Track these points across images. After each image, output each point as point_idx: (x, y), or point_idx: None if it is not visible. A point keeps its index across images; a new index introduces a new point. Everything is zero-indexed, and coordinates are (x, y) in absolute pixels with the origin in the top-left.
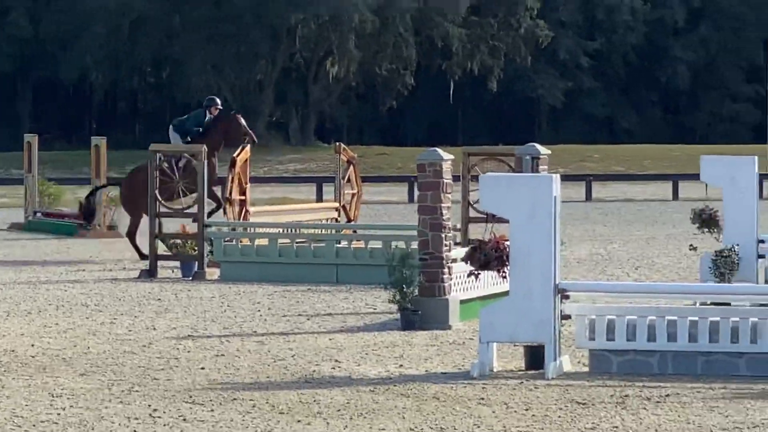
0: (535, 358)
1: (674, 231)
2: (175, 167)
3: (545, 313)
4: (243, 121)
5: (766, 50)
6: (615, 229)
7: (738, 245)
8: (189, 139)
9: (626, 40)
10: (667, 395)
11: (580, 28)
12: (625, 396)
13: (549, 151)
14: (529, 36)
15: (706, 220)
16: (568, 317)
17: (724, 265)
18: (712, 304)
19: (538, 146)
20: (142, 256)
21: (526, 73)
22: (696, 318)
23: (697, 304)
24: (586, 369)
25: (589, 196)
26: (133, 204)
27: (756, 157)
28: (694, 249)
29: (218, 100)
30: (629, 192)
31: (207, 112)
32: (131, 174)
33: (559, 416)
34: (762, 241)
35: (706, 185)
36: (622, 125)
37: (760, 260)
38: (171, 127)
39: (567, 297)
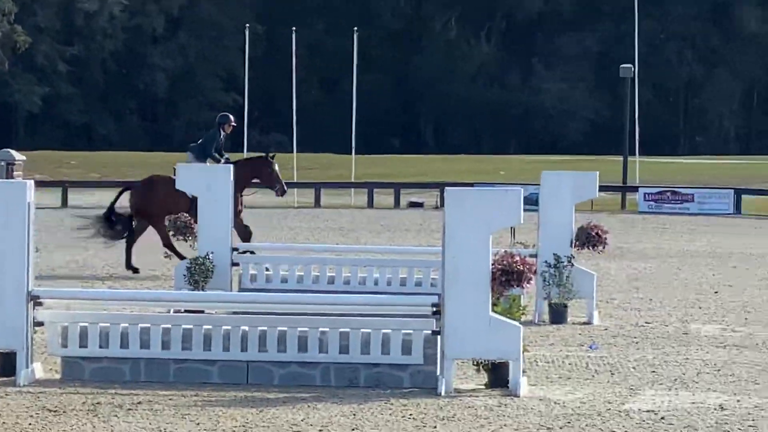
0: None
1: None
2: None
3: (17, 319)
4: (277, 168)
5: (245, 59)
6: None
7: (212, 253)
8: (220, 161)
9: (105, 47)
10: (139, 402)
11: (59, 34)
12: (97, 403)
13: (24, 157)
14: (6, 40)
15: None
16: (41, 324)
17: (198, 273)
18: (186, 311)
19: (12, 152)
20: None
21: (3, 77)
22: (169, 325)
23: (171, 312)
24: (59, 376)
25: (65, 203)
26: (152, 211)
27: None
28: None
29: (232, 117)
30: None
31: (221, 129)
32: (149, 182)
33: (30, 424)
34: (236, 249)
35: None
36: (100, 132)
37: (233, 268)
38: (189, 153)
39: (40, 304)
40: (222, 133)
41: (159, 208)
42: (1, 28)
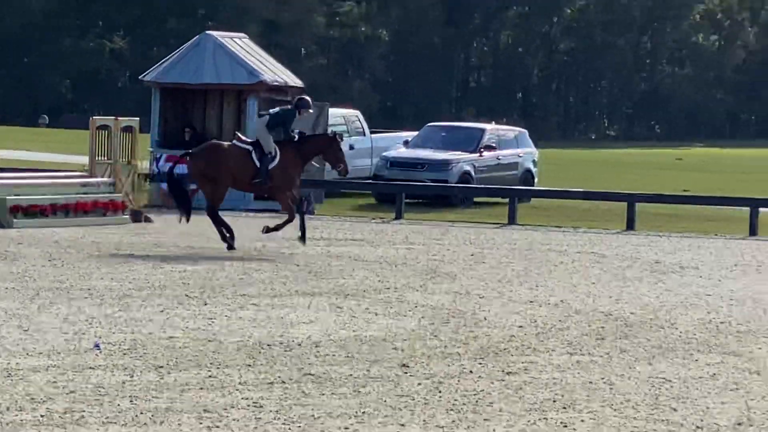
0: None
1: None
2: (256, 159)
3: None
4: (342, 148)
5: None
6: None
7: None
8: (285, 137)
9: None
10: None
11: None
12: None
13: None
14: None
15: None
16: None
17: None
18: None
19: None
20: (226, 241)
21: None
22: None
23: None
24: None
25: None
26: (208, 176)
27: None
28: None
29: (310, 101)
30: None
31: (297, 113)
32: (207, 147)
33: None
34: None
35: None
36: None
37: None
38: (263, 120)
39: None
40: (297, 116)
41: (224, 174)
42: None
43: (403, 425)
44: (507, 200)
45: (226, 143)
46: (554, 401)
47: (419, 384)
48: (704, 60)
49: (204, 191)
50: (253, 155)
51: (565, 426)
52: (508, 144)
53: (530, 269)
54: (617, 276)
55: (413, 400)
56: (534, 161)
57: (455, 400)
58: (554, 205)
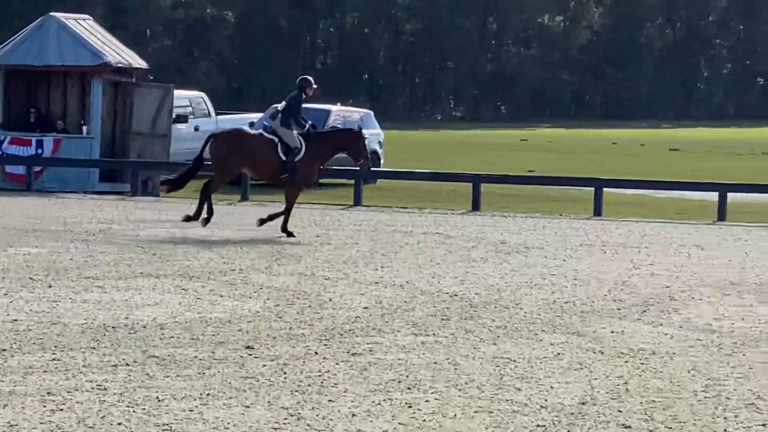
0: None
1: None
2: (281, 153)
3: None
4: (365, 144)
5: None
6: None
7: None
8: (304, 128)
9: None
10: None
11: None
12: None
13: None
14: None
15: None
16: None
17: None
18: None
19: None
20: (195, 216)
21: None
22: None
23: None
24: None
25: None
26: (226, 162)
27: None
28: None
29: (312, 80)
30: None
31: (302, 93)
32: (233, 133)
33: None
34: None
35: None
36: None
37: None
38: (277, 119)
39: None
40: (303, 95)
41: (239, 163)
42: None
43: (248, 407)
44: (353, 181)
45: (254, 132)
46: (399, 382)
47: (264, 365)
48: (550, 41)
49: (215, 171)
50: (279, 149)
51: (410, 406)
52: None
53: (376, 250)
54: (462, 257)
55: (258, 381)
56: (380, 142)
57: (300, 381)
58: (400, 186)
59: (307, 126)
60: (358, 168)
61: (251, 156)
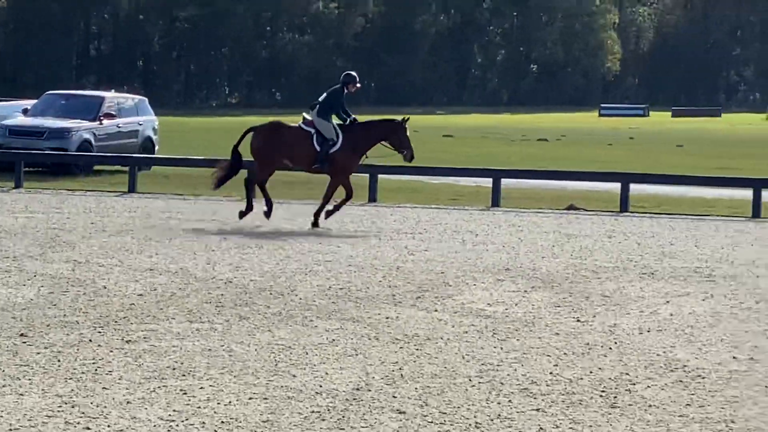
0: None
1: None
2: (317, 144)
3: None
4: (408, 133)
5: None
6: None
7: None
8: (346, 120)
9: None
10: None
11: None
12: None
13: None
14: None
15: None
16: None
17: None
18: None
19: None
20: (247, 211)
21: None
22: None
23: None
24: None
25: None
26: (266, 153)
27: None
28: None
29: (356, 77)
30: None
31: (345, 88)
32: (270, 126)
33: None
34: None
35: None
36: None
37: None
38: (314, 111)
39: None
40: (346, 91)
41: (278, 154)
42: None
43: (21, 395)
44: (127, 168)
45: (291, 124)
46: (174, 369)
47: (38, 353)
48: (324, 27)
49: (256, 164)
50: (314, 140)
51: (185, 393)
52: (129, 112)
53: (150, 237)
54: (238, 244)
55: (32, 369)
56: (154, 129)
57: (74, 368)
58: (175, 173)
59: (349, 120)
60: (402, 156)
61: (289, 147)
